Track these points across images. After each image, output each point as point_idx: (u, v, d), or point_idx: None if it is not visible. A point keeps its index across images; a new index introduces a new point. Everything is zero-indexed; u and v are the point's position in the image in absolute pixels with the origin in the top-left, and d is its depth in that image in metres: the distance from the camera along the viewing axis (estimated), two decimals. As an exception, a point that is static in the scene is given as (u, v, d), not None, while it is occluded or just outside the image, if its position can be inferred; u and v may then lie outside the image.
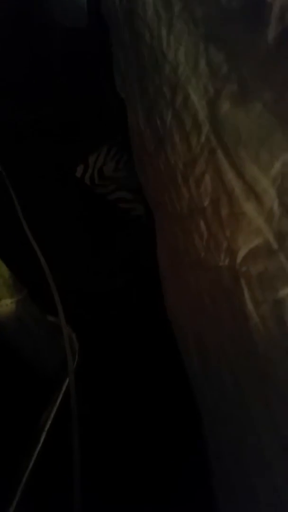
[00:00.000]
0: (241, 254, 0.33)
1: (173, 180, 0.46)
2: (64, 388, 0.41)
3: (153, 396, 0.43)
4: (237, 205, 0.34)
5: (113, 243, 0.59)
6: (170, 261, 0.48)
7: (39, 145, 0.67)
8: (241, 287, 0.33)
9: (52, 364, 0.42)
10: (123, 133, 0.64)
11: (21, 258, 0.48)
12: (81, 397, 0.39)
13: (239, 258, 0.33)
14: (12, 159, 0.61)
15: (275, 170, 0.31)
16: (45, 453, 0.37)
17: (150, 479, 0.39)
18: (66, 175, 0.67)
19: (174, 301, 0.46)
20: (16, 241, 0.49)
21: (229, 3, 0.39)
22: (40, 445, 0.37)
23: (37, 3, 0.78)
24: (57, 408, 0.40)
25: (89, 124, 0.75)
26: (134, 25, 0.56)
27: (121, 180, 0.70)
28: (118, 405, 0.43)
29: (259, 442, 0.28)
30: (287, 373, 0.27)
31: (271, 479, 0.27)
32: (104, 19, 0.67)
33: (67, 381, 0.41)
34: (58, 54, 0.80)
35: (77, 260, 0.55)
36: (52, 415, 0.39)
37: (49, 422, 0.38)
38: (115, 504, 0.38)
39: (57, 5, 0.79)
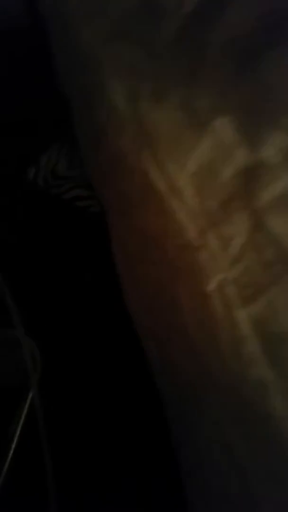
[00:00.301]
0: (171, 250, 0.33)
1: (111, 178, 0.46)
2: (29, 400, 0.41)
3: (121, 400, 0.44)
4: (163, 202, 0.33)
5: (70, 244, 0.58)
6: (123, 256, 0.48)
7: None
8: (176, 282, 0.33)
9: (15, 376, 0.43)
10: (74, 129, 0.62)
11: None
12: (47, 408, 0.40)
13: (170, 254, 0.33)
14: None
15: (189, 167, 0.31)
16: (15, 466, 0.38)
17: (121, 484, 0.41)
18: (17, 178, 0.66)
19: (131, 297, 0.46)
20: None
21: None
22: (9, 459, 0.38)
23: None
24: (24, 421, 0.40)
25: (38, 123, 0.73)
26: (64, 26, 0.54)
27: (76, 178, 0.69)
28: (86, 411, 0.44)
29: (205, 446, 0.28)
30: (222, 370, 0.27)
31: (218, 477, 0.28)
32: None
33: (31, 393, 0.41)
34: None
35: (33, 266, 0.55)
36: (18, 429, 0.39)
37: (17, 436, 0.39)
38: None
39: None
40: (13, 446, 0.39)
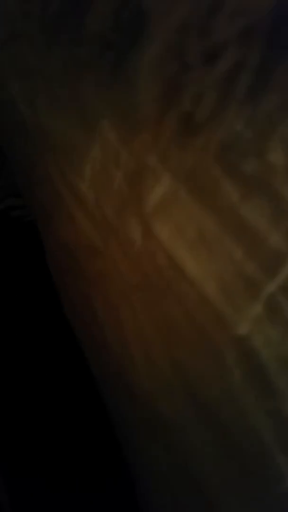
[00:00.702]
0: (83, 259, 0.32)
1: (30, 187, 0.44)
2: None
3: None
4: (70, 211, 0.32)
5: (4, 257, 0.56)
6: (53, 267, 0.46)
7: None
8: (92, 292, 0.32)
9: None
10: None
11: None
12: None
13: (83, 264, 0.32)
14: None
15: (86, 174, 0.30)
16: None
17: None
18: None
19: (67, 310, 0.45)
20: None
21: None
22: None
23: None
24: None
25: None
26: None
27: (6, 187, 0.66)
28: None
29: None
30: (137, 382, 0.27)
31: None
32: None
33: None
34: None
35: None
36: None
37: None
38: None
39: None
40: None
